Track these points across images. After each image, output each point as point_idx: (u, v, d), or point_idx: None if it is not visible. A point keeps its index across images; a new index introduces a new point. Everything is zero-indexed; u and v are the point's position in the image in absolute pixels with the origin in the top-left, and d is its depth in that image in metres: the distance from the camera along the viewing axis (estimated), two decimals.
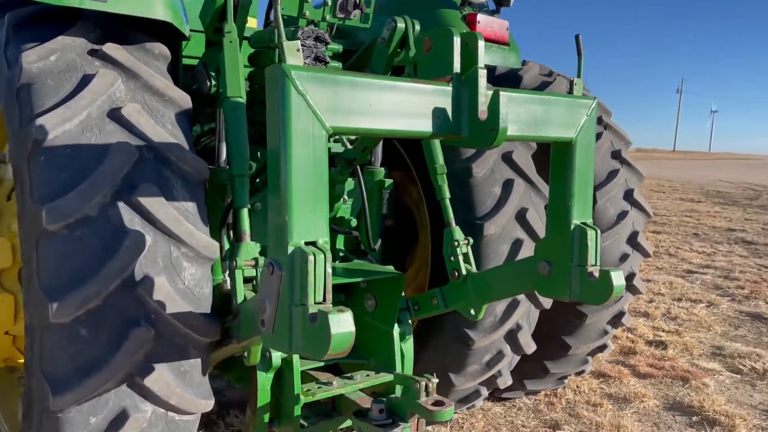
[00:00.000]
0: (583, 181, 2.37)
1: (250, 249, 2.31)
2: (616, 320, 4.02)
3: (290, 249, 1.64)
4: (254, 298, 2.17)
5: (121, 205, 2.04)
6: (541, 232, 3.39)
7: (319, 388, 2.85)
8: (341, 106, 1.71)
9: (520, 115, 2.08)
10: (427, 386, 2.40)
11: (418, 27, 3.10)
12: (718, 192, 24.84)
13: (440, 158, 3.00)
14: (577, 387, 4.66)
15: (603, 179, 3.83)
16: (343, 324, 1.57)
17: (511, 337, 3.39)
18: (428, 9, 3.84)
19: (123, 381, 2.05)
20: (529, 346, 3.50)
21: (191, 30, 2.60)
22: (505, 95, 1.92)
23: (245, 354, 2.36)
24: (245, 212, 2.37)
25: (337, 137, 3.11)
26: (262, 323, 1.75)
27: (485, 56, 3.66)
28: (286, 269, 1.65)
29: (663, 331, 6.32)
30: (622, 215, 3.87)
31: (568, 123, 2.28)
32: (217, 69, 2.81)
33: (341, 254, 3.47)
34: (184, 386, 2.16)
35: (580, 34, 2.44)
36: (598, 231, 2.34)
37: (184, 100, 2.32)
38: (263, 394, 2.64)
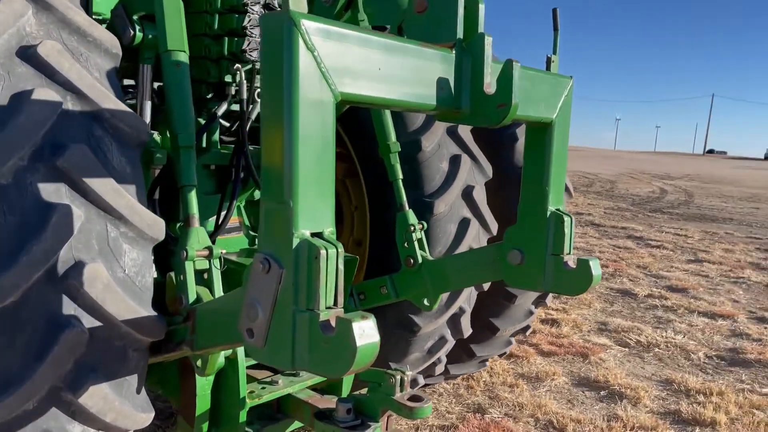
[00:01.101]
0: (559, 166, 2.19)
1: (201, 236, 1.91)
2: (540, 300, 3.96)
3: (295, 242, 1.30)
4: (224, 300, 1.77)
5: (43, 171, 1.57)
6: (486, 212, 3.21)
7: (263, 388, 2.50)
8: (352, 68, 1.38)
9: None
10: (402, 380, 2.13)
11: None
12: None
13: (392, 134, 2.71)
14: (492, 369, 4.59)
15: None
16: (368, 333, 1.26)
17: (454, 322, 3.20)
18: None
19: (48, 398, 1.60)
20: (468, 330, 3.33)
21: None
22: (518, 66, 1.66)
23: (197, 363, 1.95)
24: (193, 192, 1.95)
25: None
26: (250, 333, 1.39)
27: None
28: (289, 267, 1.30)
29: (552, 309, 6.47)
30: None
31: (550, 102, 2.08)
32: (144, 16, 2.34)
33: None
34: (121, 399, 1.74)
35: (557, 8, 2.25)
36: (573, 218, 2.18)
37: (112, 43, 1.84)
38: (202, 401, 2.24)
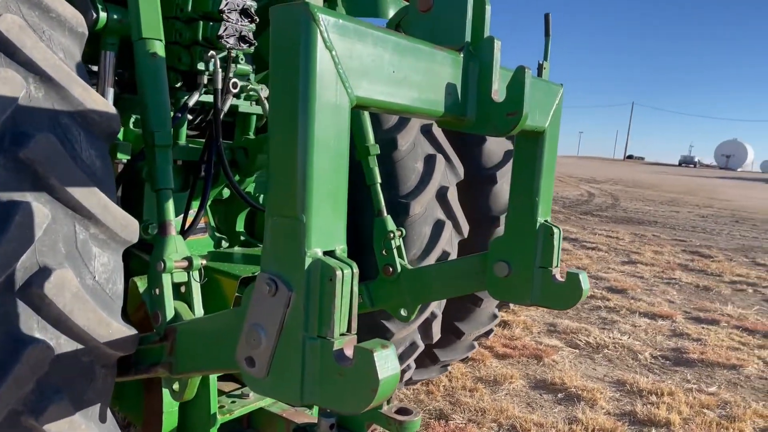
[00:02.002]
0: (549, 176, 2.10)
1: (179, 245, 1.70)
2: (504, 303, 3.90)
3: (308, 261, 1.14)
4: (212, 320, 1.57)
5: (3, 163, 1.36)
6: (459, 214, 3.11)
7: (233, 403, 2.31)
8: (367, 69, 1.23)
9: None
10: None
11: None
12: None
13: (371, 137, 2.56)
14: (450, 373, 4.50)
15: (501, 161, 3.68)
16: (390, 364, 1.12)
17: (425, 327, 3.08)
18: None
19: (6, 424, 1.39)
20: (437, 335, 3.22)
21: None
22: (530, 74, 1.55)
23: (174, 387, 1.75)
24: (170, 196, 1.75)
25: (252, 92, 2.50)
26: (250, 362, 1.22)
27: (394, 11, 3.26)
28: (300, 289, 1.15)
29: (500, 311, 6.46)
30: None
31: (543, 110, 1.98)
32: None
33: (242, 238, 2.88)
34: (88, 422, 1.53)
35: (549, 13, 2.16)
36: (561, 230, 2.10)
37: (78, 21, 1.62)
38: (169, 418, 2.04)
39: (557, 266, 2.07)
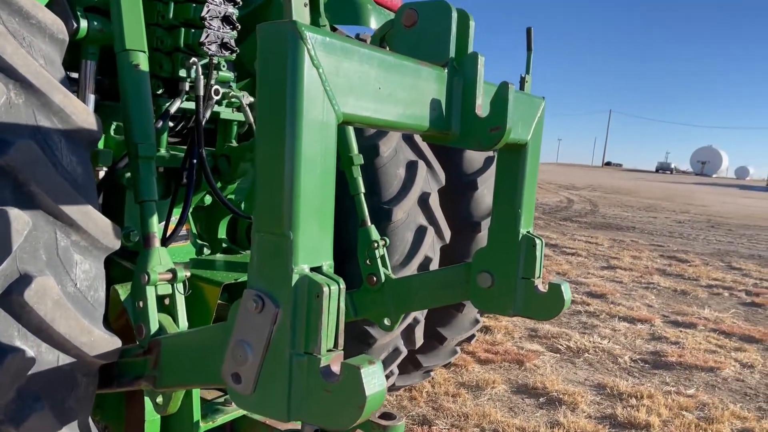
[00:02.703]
0: (531, 187, 2.12)
1: (163, 257, 1.69)
2: None
3: (295, 278, 1.14)
4: (197, 335, 1.56)
5: None
6: (441, 219, 3.12)
7: (216, 410, 2.29)
8: (354, 86, 1.23)
9: None
10: None
11: None
12: None
13: (355, 147, 2.56)
14: (433, 378, 4.50)
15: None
16: (377, 380, 1.12)
17: (408, 333, 3.08)
18: None
19: None
20: (420, 341, 3.23)
21: None
22: (513, 89, 1.56)
23: (158, 400, 1.73)
24: (154, 208, 1.73)
25: (233, 99, 2.50)
26: (236, 378, 1.21)
27: (378, 23, 3.28)
28: (287, 306, 1.14)
29: (484, 316, 6.48)
30: None
31: (526, 123, 2.00)
32: (89, 7, 2.09)
33: (224, 245, 2.86)
34: (68, 430, 1.52)
35: (531, 27, 2.18)
36: (543, 241, 2.11)
37: (58, 28, 1.60)
38: (152, 427, 2.02)
39: (539, 277, 2.09)
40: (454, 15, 1.57)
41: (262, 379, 1.18)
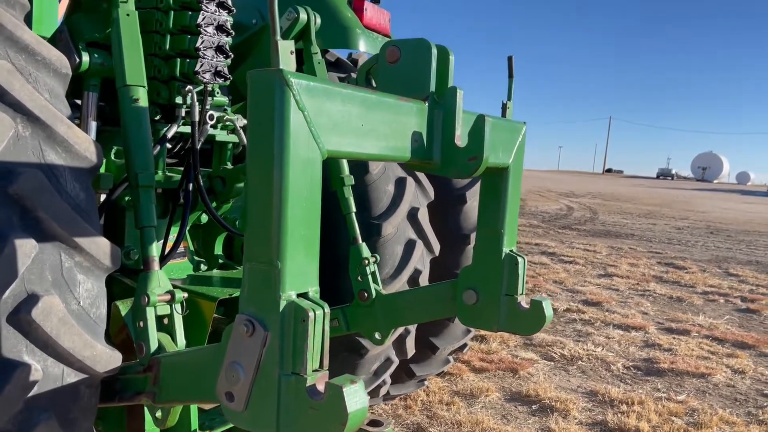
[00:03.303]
0: (513, 208, 2.21)
1: (162, 280, 1.79)
2: None
3: (282, 304, 1.23)
4: (194, 354, 1.66)
5: None
6: (430, 233, 3.22)
7: (213, 420, 2.39)
8: (337, 125, 1.33)
9: None
10: None
11: (319, 20, 2.75)
12: None
13: (346, 168, 2.66)
14: (427, 387, 4.59)
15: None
16: (359, 398, 1.21)
17: (399, 343, 3.18)
18: None
19: None
20: (412, 351, 3.32)
21: None
22: (489, 121, 1.66)
23: (157, 415, 1.83)
24: (153, 233, 1.83)
25: (228, 123, 2.62)
26: (229, 396, 1.30)
27: (366, 45, 3.43)
28: (275, 330, 1.24)
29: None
30: None
31: (507, 148, 2.10)
32: (91, 42, 2.20)
33: (220, 261, 2.97)
34: None
35: (513, 56, 2.28)
36: (525, 259, 2.20)
37: (62, 63, 1.71)
38: None
39: (522, 293, 2.18)
40: (434, 52, 1.67)
41: (253, 398, 1.27)
